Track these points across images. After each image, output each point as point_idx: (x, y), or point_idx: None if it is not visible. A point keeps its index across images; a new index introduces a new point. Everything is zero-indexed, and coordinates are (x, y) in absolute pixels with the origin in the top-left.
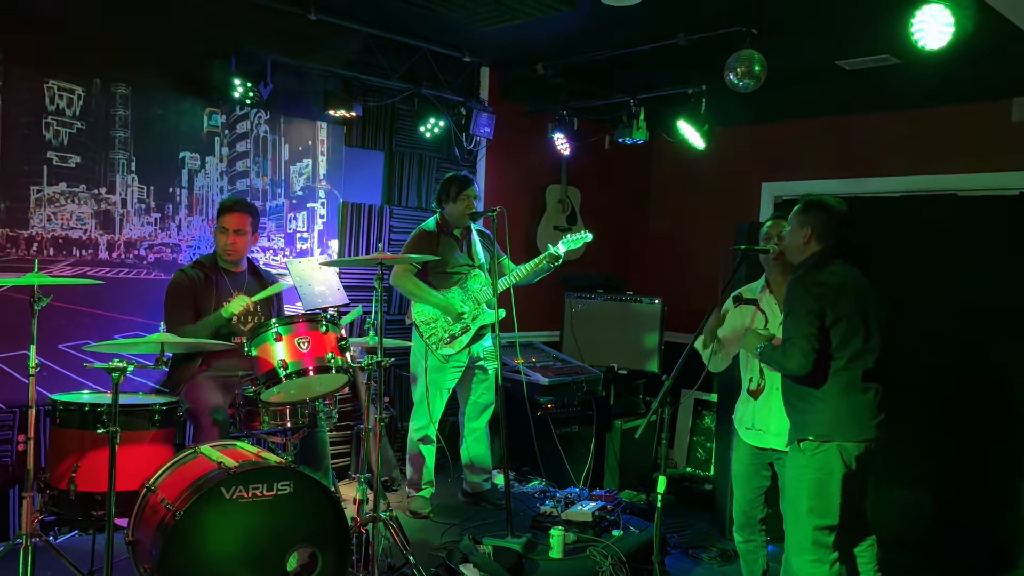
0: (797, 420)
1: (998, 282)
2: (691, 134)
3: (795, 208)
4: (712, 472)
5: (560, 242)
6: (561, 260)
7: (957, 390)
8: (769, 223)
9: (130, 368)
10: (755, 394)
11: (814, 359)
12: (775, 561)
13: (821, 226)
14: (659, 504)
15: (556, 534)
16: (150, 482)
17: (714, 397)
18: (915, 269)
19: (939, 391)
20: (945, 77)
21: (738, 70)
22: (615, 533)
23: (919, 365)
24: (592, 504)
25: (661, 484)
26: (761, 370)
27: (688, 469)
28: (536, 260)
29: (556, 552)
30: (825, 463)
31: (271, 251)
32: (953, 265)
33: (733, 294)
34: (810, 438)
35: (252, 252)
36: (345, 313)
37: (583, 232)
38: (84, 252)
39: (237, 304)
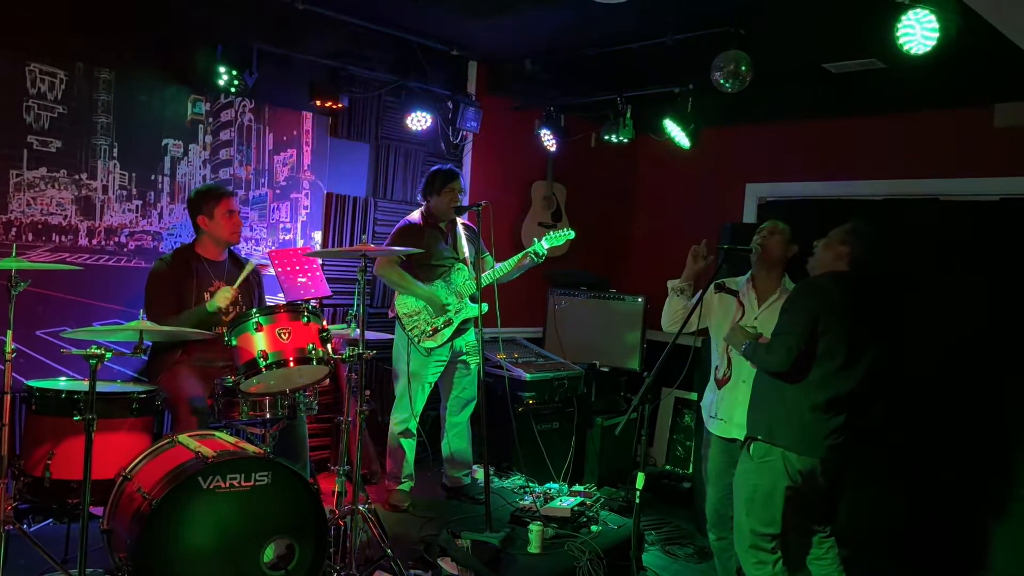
0: (754, 417)
1: (978, 286)
2: (677, 133)
3: (845, 225)
4: (691, 470)
5: (543, 239)
6: (544, 256)
7: (935, 392)
8: (768, 224)
9: (108, 355)
10: (720, 383)
11: (794, 359)
12: None
13: (858, 253)
14: (638, 501)
15: (535, 529)
16: (126, 471)
17: (694, 396)
18: (895, 273)
19: (917, 393)
20: (929, 82)
21: (724, 70)
22: (593, 529)
23: (897, 367)
24: (571, 500)
25: (640, 481)
26: (729, 360)
27: (667, 467)
28: (519, 256)
29: (534, 547)
30: (769, 472)
31: (253, 241)
32: (934, 269)
33: (715, 281)
34: (759, 437)
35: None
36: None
37: (566, 229)
38: (64, 238)
39: (222, 297)
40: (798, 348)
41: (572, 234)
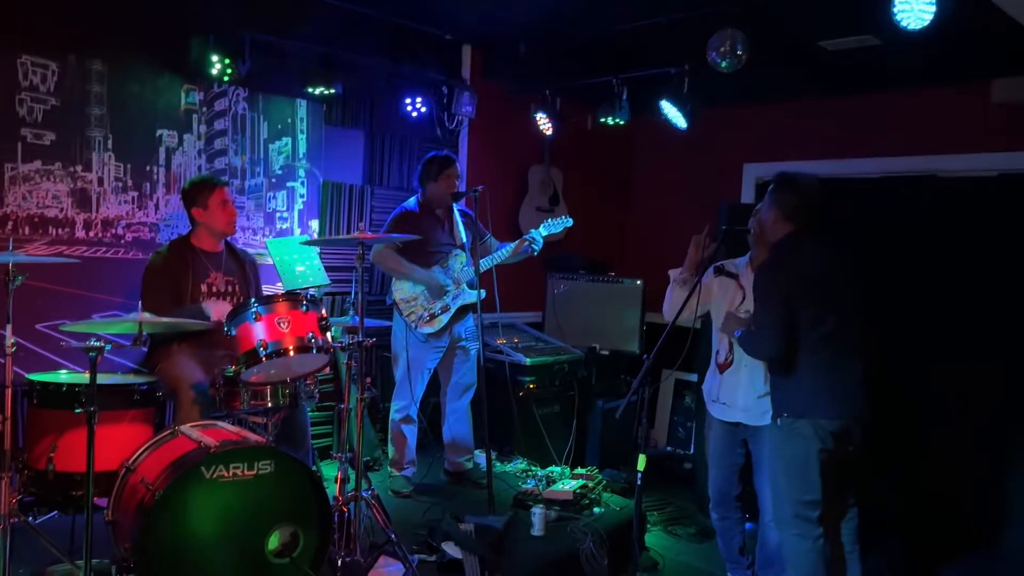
0: (775, 397)
1: (977, 264)
2: (674, 114)
3: (769, 188)
4: (692, 450)
5: (541, 226)
6: (541, 244)
7: (936, 371)
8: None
9: (107, 348)
10: (722, 367)
11: (785, 346)
12: (751, 538)
13: (790, 207)
14: (639, 482)
15: (537, 512)
16: (129, 462)
17: (694, 377)
18: (896, 250)
19: (918, 372)
20: (926, 58)
21: (720, 50)
22: (596, 511)
23: (895, 346)
24: (573, 483)
25: (641, 463)
26: (730, 344)
27: (669, 448)
28: (516, 243)
29: (537, 530)
30: (800, 439)
31: (250, 231)
32: (932, 246)
33: (715, 264)
34: (784, 415)
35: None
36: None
37: (564, 217)
38: (60, 231)
39: (220, 310)
40: (784, 336)
41: (570, 222)
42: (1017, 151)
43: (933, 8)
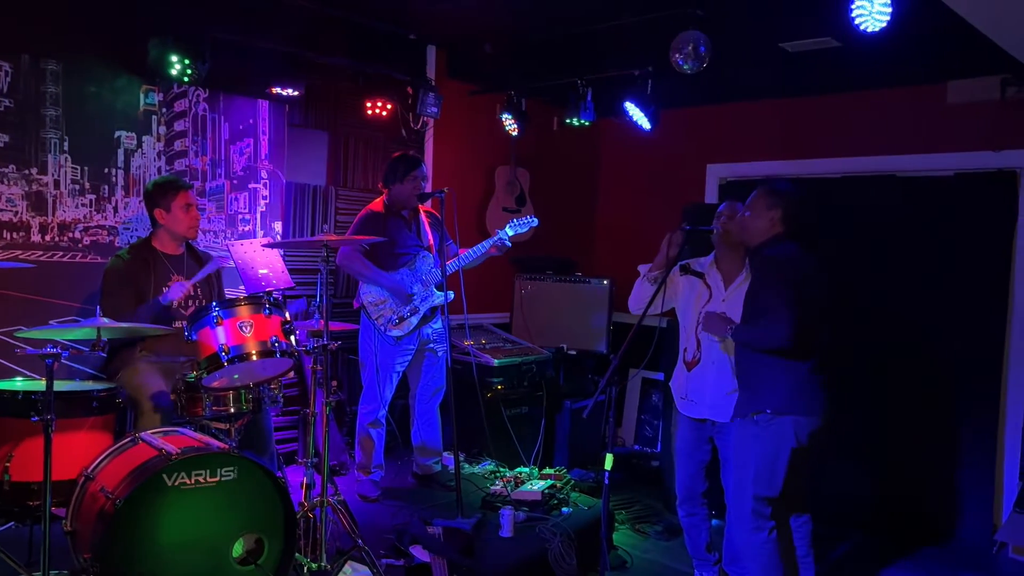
0: (752, 393)
1: (934, 262)
2: (638, 116)
3: (761, 190)
4: (659, 449)
5: (507, 226)
6: (508, 244)
7: (895, 368)
8: (725, 204)
9: (64, 354)
10: (690, 365)
11: (797, 332)
12: (718, 534)
13: (788, 212)
14: (607, 481)
15: (506, 514)
16: (88, 470)
17: (661, 376)
18: (855, 250)
19: (878, 369)
20: (884, 60)
21: (683, 52)
22: (564, 511)
23: (856, 344)
24: (542, 483)
25: (609, 462)
26: (698, 342)
27: (636, 447)
28: (483, 244)
29: (506, 531)
30: (777, 436)
31: (211, 233)
32: (892, 246)
33: (681, 263)
34: (767, 411)
35: None
36: (291, 296)
37: (530, 217)
38: (15, 235)
39: (177, 289)
40: (797, 319)
41: (536, 222)
42: (972, 151)
43: (889, 11)
